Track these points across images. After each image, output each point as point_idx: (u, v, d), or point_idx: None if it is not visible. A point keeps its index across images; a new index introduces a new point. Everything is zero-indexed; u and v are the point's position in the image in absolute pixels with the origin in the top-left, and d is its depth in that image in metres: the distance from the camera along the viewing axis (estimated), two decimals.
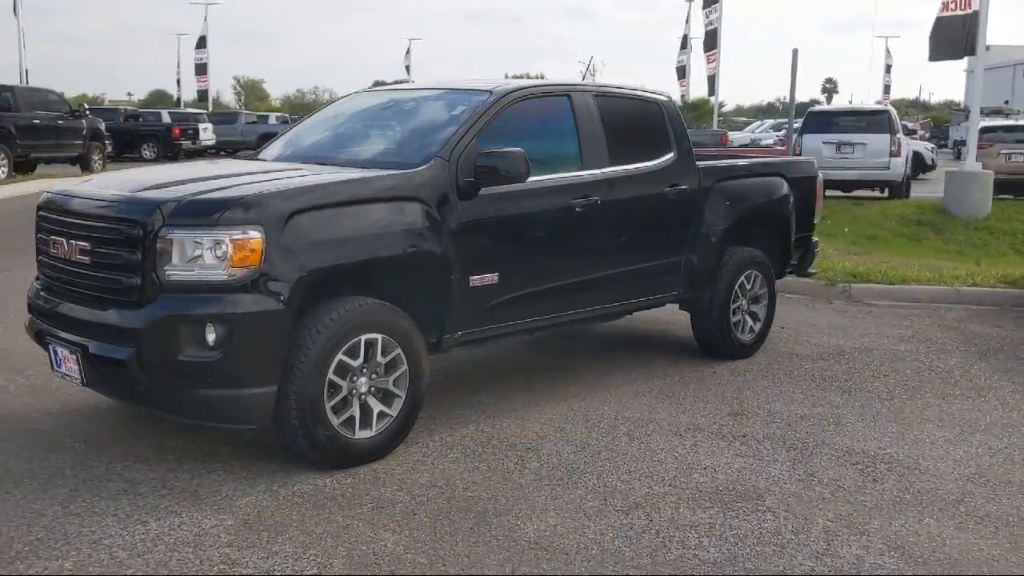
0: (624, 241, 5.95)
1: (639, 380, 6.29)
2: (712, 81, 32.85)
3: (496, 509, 4.14)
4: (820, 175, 7.66)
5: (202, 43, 51.12)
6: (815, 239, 7.78)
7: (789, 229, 7.23)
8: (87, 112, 24.22)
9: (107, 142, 25.04)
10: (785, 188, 7.18)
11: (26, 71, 36.40)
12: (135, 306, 4.18)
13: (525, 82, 5.65)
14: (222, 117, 39.97)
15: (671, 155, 6.30)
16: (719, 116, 40.99)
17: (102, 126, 25.11)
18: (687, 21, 38.54)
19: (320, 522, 3.95)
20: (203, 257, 4.12)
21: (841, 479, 4.59)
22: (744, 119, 51.33)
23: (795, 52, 10.33)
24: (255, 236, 4.12)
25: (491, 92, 5.42)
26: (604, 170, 5.77)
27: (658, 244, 6.24)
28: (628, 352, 7.09)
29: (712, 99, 37.46)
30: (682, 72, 38.20)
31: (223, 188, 4.41)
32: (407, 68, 63.40)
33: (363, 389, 4.57)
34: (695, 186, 6.39)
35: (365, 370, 4.56)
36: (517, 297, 5.31)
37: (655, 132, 6.30)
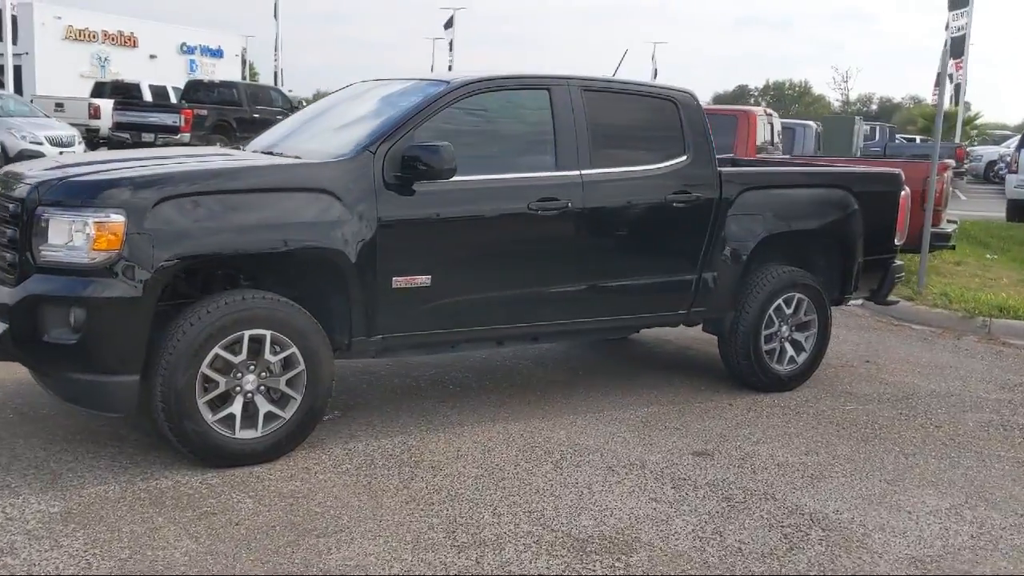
0: (609, 252, 5.40)
1: (630, 405, 5.70)
2: (958, 90, 30.34)
3: (326, 529, 3.83)
4: (906, 190, 6.64)
5: (451, 48, 53.33)
6: (898, 262, 6.76)
7: (852, 249, 6.31)
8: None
9: None
10: (850, 202, 6.27)
11: (281, 70, 39.23)
12: (13, 283, 4.21)
13: (495, 73, 5.22)
14: None
15: (683, 159, 5.64)
16: (972, 128, 37.60)
17: None
18: (946, 27, 35.54)
19: (134, 521, 3.81)
20: (73, 239, 4.09)
21: (749, 543, 3.89)
22: (1008, 132, 46.67)
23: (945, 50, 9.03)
24: (117, 220, 4.04)
25: (447, 84, 5.07)
26: (584, 172, 5.25)
27: (658, 257, 5.61)
28: (649, 372, 6.47)
29: (957, 109, 34.35)
30: (941, 80, 35.24)
31: (105, 172, 4.36)
32: (655, 72, 62.94)
33: (250, 387, 4.38)
34: (713, 195, 5.69)
35: (253, 368, 4.37)
36: (454, 304, 4.93)
37: (664, 133, 5.67)
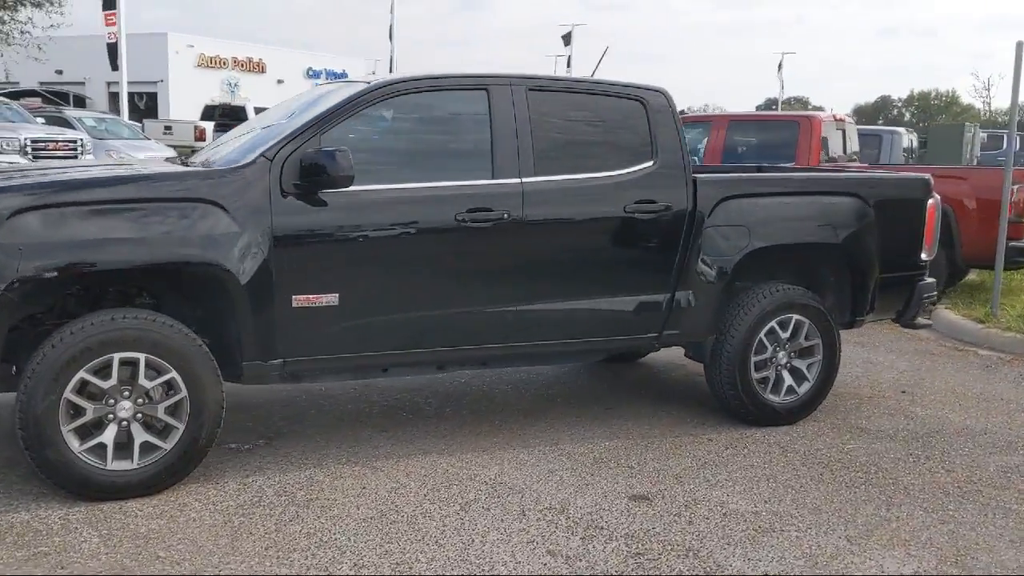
0: (558, 268, 4.85)
1: (592, 439, 5.12)
2: None
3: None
4: (936, 198, 5.81)
5: (569, 64, 53.12)
6: (929, 279, 5.92)
7: (865, 266, 5.54)
8: None
9: None
10: (864, 212, 5.51)
11: None
12: None
13: (425, 72, 4.76)
14: None
15: (648, 165, 5.03)
16: None
17: None
18: None
19: None
20: None
21: None
22: None
23: (1019, 45, 8.08)
24: None
25: (366, 84, 4.64)
26: (525, 180, 4.72)
27: (619, 274, 5.01)
28: (638, 400, 5.85)
29: None
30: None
31: None
32: (781, 83, 61.04)
33: (125, 415, 4.04)
34: (685, 204, 5.06)
35: (128, 394, 4.04)
36: (370, 324, 4.48)
37: (628, 136, 5.07)
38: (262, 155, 4.29)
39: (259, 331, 4.25)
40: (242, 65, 49.81)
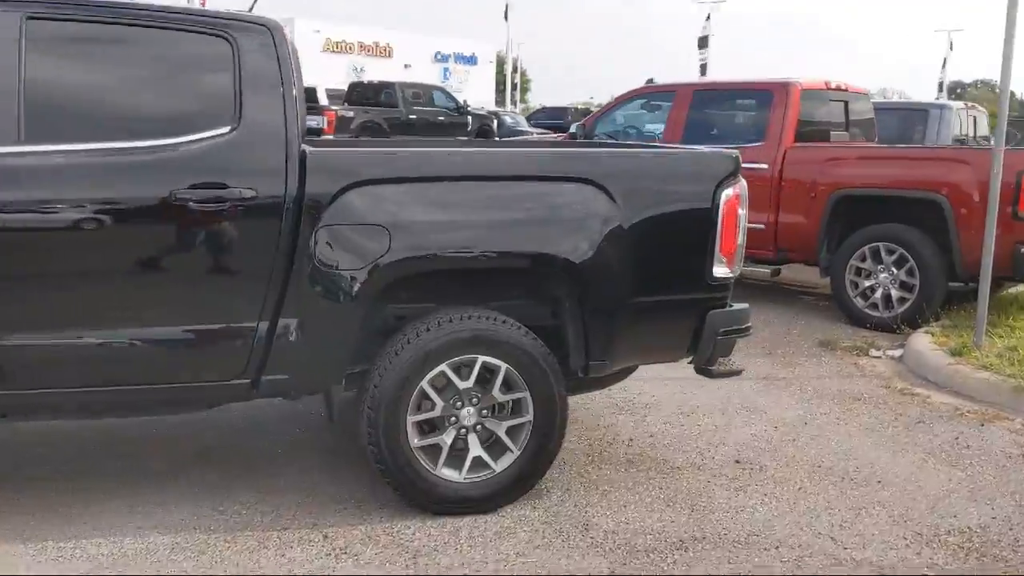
0: (49, 283, 3.33)
1: (186, 510, 3.57)
2: None
3: None
4: (735, 189, 3.92)
5: (703, 43, 50.27)
6: (738, 306, 4.04)
7: (600, 284, 3.74)
8: (469, 111, 24.30)
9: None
10: (599, 205, 3.71)
11: (519, 74, 38.15)
12: None
13: None
14: None
15: (220, 131, 3.43)
16: None
17: (493, 124, 25.10)
18: None
19: None
20: None
21: None
22: None
23: None
24: None
25: None
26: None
27: (164, 291, 3.44)
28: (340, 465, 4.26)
29: None
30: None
31: None
32: (944, 62, 55.89)
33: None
34: (283, 191, 3.43)
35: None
36: None
37: (194, 89, 3.50)
38: None
39: None
40: (368, 50, 49.66)
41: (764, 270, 8.06)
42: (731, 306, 3.99)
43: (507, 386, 3.72)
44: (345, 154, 3.72)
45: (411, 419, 3.62)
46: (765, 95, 8.12)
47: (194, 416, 4.37)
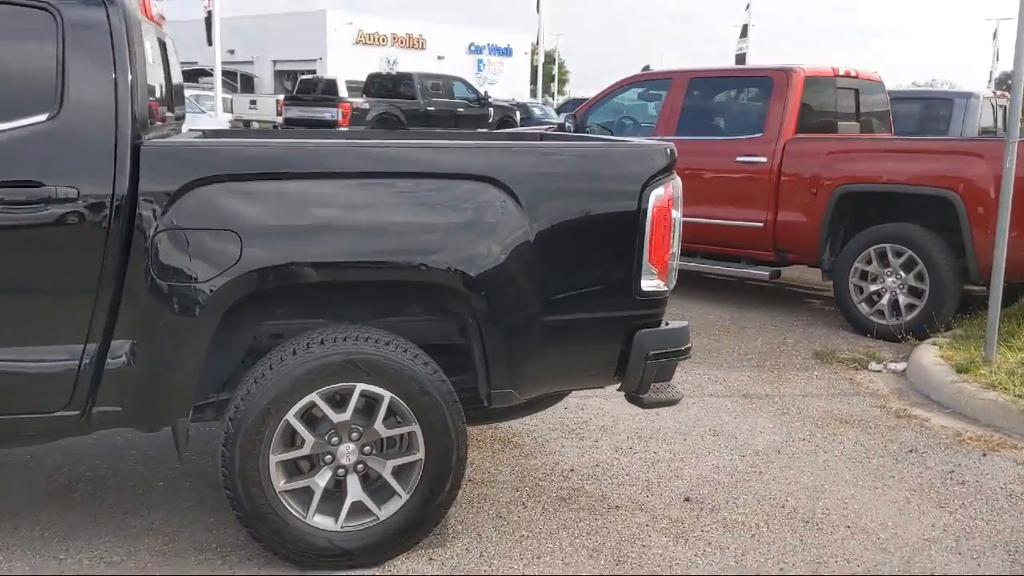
0: None
1: None
2: None
3: None
4: (668, 188, 3.30)
5: (744, 32, 49.19)
6: (673, 324, 3.43)
7: (498, 300, 3.15)
8: (491, 102, 23.75)
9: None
10: (500, 208, 3.13)
11: (556, 67, 37.52)
12: None
13: None
14: None
15: (35, 120, 2.90)
16: None
17: (516, 115, 24.54)
18: None
19: None
20: None
21: None
22: None
23: None
24: None
25: None
26: None
27: None
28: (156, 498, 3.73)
29: None
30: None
31: None
32: (996, 54, 54.19)
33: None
34: (110, 190, 2.90)
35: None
36: None
37: (11, 68, 2.97)
38: None
39: None
40: (402, 42, 49.28)
41: (763, 273, 7.38)
42: (665, 324, 3.38)
43: (395, 418, 3.15)
44: (187, 146, 3.17)
45: (275, 458, 3.07)
46: (765, 82, 7.47)
47: (86, 439, 3.90)
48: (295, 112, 21.34)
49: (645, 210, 3.22)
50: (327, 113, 20.43)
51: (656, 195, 3.24)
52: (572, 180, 3.23)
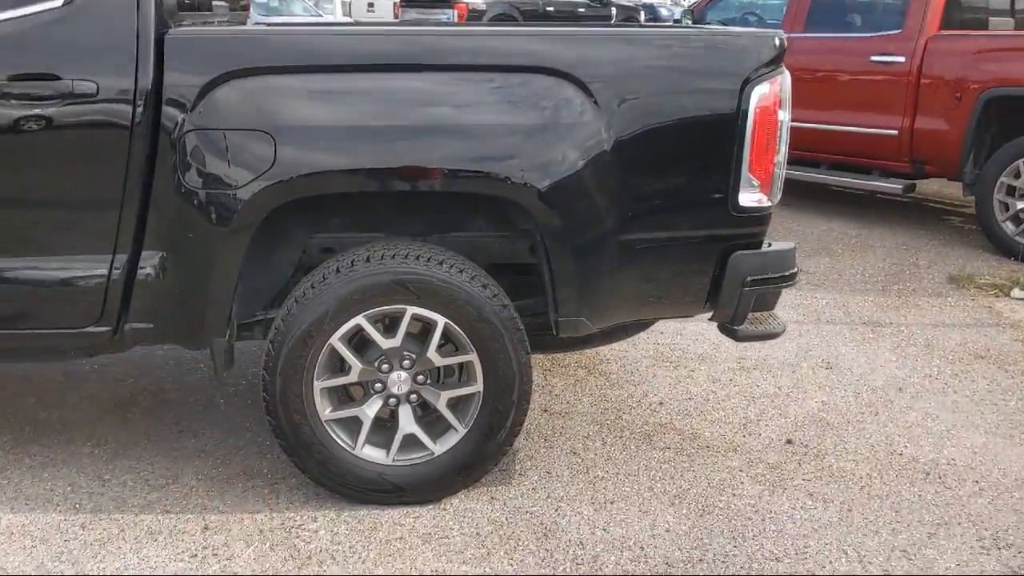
0: None
1: None
2: None
3: None
4: (774, 85, 2.79)
5: None
6: (773, 245, 2.96)
7: (569, 216, 2.74)
8: (613, 1, 22.75)
9: None
10: (571, 109, 2.70)
11: None
12: None
13: None
14: None
15: (55, 4, 2.61)
16: None
17: (640, 15, 23.52)
18: None
19: None
20: None
21: None
22: None
23: None
24: None
25: None
26: None
27: None
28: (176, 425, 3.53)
29: None
30: None
31: None
32: None
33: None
34: (132, 84, 2.60)
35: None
36: None
37: None
38: None
39: None
40: None
41: (896, 186, 6.70)
42: (768, 245, 2.91)
43: (451, 346, 2.82)
44: (217, 35, 2.82)
45: (320, 384, 2.79)
46: None
47: (153, 351, 3.77)
48: (412, 14, 20.90)
49: (746, 111, 2.73)
50: (443, 15, 19.94)
51: (760, 93, 2.74)
52: (658, 75, 2.75)
